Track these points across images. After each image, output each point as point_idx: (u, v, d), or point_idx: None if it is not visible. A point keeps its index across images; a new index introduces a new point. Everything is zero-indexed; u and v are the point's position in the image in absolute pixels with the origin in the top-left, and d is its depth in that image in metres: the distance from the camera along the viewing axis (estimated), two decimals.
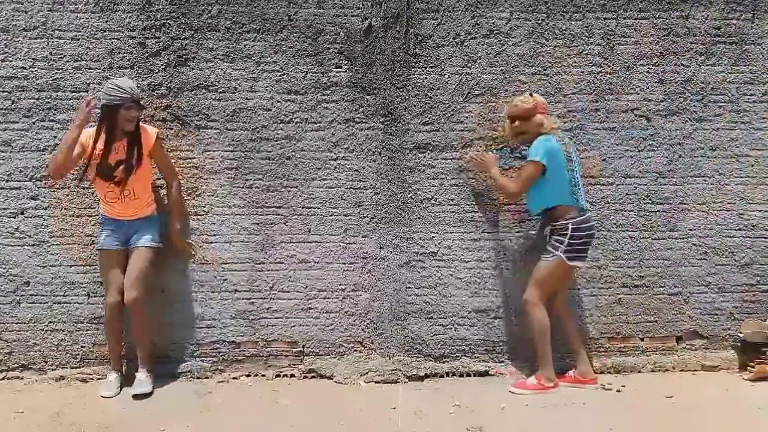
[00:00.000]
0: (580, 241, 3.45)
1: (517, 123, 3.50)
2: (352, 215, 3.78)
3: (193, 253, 3.73)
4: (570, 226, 3.42)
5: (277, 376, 3.78)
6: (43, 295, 3.70)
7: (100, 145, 3.39)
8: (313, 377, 3.78)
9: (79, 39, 3.62)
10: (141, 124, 3.48)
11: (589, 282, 3.84)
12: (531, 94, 3.51)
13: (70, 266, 3.70)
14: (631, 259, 3.84)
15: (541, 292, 3.53)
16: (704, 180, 3.84)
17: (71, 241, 3.69)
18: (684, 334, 3.89)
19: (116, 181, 3.43)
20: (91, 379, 3.69)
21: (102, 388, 3.52)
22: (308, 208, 3.77)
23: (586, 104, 3.77)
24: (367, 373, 3.74)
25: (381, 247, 3.79)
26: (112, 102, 3.33)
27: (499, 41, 3.75)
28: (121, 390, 3.52)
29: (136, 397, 3.43)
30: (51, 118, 3.64)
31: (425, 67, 3.74)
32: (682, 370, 3.83)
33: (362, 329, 3.81)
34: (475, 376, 3.79)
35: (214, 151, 3.72)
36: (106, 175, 3.42)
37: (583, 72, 3.77)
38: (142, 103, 3.46)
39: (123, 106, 3.33)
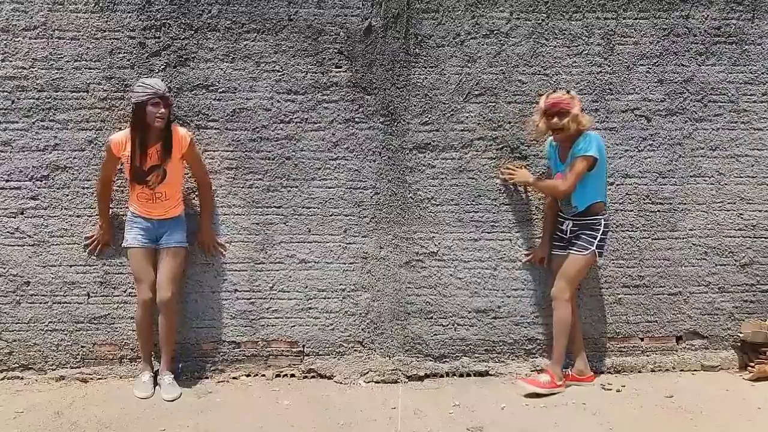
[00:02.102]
0: (606, 237, 3.56)
1: (567, 119, 3.37)
2: (352, 215, 3.78)
3: (223, 253, 3.73)
4: (602, 222, 3.48)
5: (277, 376, 3.78)
6: (43, 295, 3.70)
7: (135, 150, 3.40)
8: (313, 377, 3.78)
9: (79, 39, 3.62)
10: (174, 126, 3.49)
11: (589, 282, 3.84)
12: (568, 91, 3.45)
13: (70, 266, 3.70)
14: (631, 259, 3.84)
15: (573, 288, 3.56)
16: (704, 180, 3.84)
17: (71, 241, 3.69)
18: (684, 334, 3.89)
19: (149, 185, 3.44)
20: (91, 379, 3.69)
21: (136, 389, 3.51)
22: (308, 208, 3.76)
23: (586, 104, 3.77)
24: (367, 373, 3.74)
25: (381, 247, 3.79)
26: (139, 99, 3.34)
27: (499, 41, 3.74)
28: (155, 390, 3.52)
29: (168, 401, 3.42)
30: (51, 118, 3.63)
31: (425, 67, 3.74)
32: (682, 370, 3.84)
33: (362, 329, 3.81)
34: (475, 376, 3.79)
35: (214, 151, 3.72)
36: (140, 179, 3.44)
37: (583, 72, 3.77)
38: (170, 101, 3.42)
39: (149, 102, 3.33)
